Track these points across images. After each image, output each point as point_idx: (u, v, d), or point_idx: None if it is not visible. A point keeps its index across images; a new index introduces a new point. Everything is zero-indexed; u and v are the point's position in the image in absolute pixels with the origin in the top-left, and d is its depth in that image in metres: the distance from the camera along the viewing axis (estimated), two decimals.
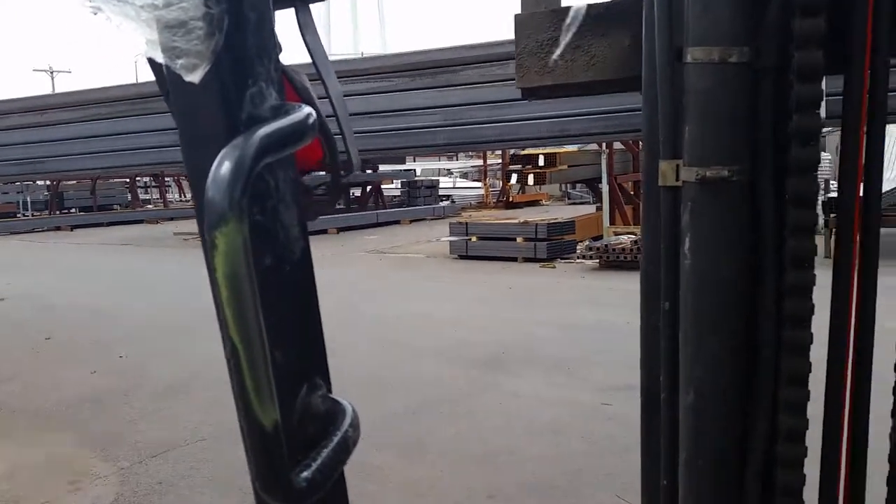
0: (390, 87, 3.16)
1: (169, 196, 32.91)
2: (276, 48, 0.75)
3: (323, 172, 0.89)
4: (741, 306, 1.14)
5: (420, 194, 23.82)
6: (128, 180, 27.94)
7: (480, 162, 28.58)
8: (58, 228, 21.61)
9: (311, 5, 0.90)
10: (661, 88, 1.12)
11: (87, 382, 5.74)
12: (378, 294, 9.46)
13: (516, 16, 1.50)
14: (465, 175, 34.46)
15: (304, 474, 0.71)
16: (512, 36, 1.50)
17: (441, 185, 27.03)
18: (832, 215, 9.44)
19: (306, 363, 0.83)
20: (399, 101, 3.13)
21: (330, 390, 0.86)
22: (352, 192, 21.75)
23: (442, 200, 25.32)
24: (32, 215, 24.64)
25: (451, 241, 12.95)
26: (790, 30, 1.00)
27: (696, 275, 1.13)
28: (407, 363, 6.04)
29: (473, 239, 12.53)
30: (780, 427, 1.08)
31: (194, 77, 0.68)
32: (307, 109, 0.69)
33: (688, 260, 1.13)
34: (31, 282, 11.35)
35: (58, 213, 25.08)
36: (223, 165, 0.58)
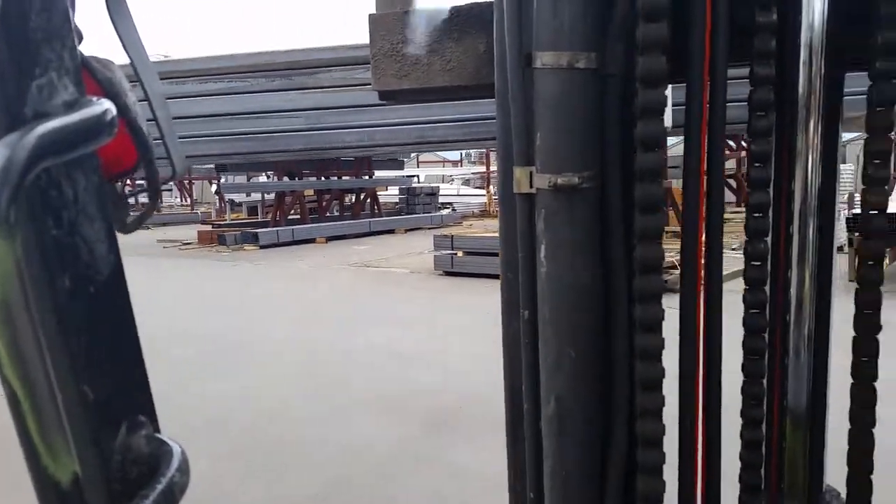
0: (245, 87, 3.01)
1: (173, 199, 31.53)
2: (74, 34, 0.64)
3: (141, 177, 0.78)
4: (598, 313, 1.13)
5: (419, 202, 22.55)
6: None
7: (484, 168, 26.85)
8: None
9: None
10: (512, 94, 1.10)
11: None
12: (340, 319, 8.39)
13: (370, 15, 1.45)
14: (467, 182, 32.32)
15: None
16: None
17: (442, 193, 25.44)
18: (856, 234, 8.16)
19: (125, 399, 0.72)
20: (257, 103, 3.00)
21: (157, 429, 0.76)
22: (346, 198, 20.54)
23: (443, 208, 23.90)
24: None
25: (435, 256, 11.65)
26: (635, 36, 1.01)
27: (553, 282, 1.11)
28: (337, 417, 4.95)
29: (460, 254, 11.12)
30: (637, 433, 1.08)
31: None
32: (105, 104, 0.59)
33: (544, 267, 1.12)
34: None
35: None
36: None
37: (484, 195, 25.26)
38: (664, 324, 1.11)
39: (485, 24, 1.32)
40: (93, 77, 0.69)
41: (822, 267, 1.26)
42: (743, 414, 1.30)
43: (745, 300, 1.25)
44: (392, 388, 5.56)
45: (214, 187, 26.08)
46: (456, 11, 1.37)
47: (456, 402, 5.10)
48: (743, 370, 1.28)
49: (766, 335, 1.29)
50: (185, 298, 10.13)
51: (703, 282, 1.18)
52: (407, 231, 19.07)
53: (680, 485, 1.22)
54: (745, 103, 1.17)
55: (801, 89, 1.17)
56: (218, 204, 25.58)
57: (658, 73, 0.97)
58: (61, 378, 0.54)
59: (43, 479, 0.53)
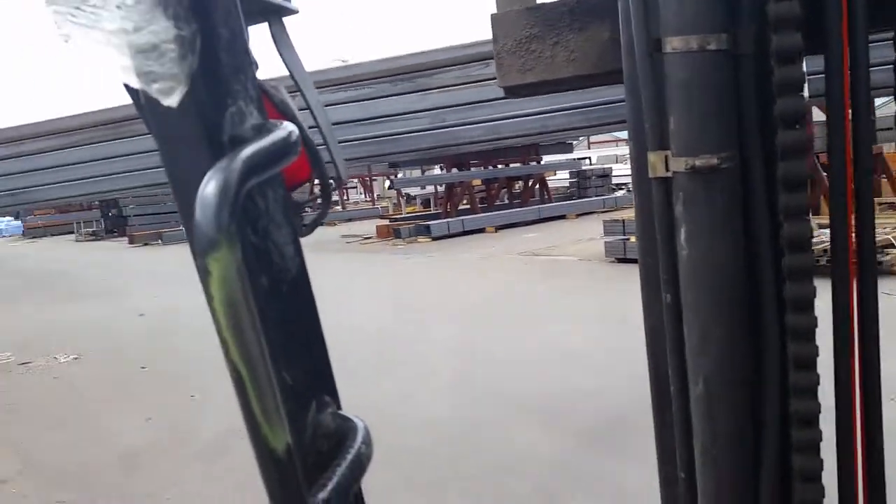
0: (372, 93, 3.16)
1: (357, 195, 33.78)
2: (253, 65, 0.74)
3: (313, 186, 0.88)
4: (742, 293, 1.13)
5: (591, 184, 21.83)
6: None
7: None
8: None
9: (284, 18, 0.89)
10: (642, 80, 1.11)
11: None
12: (504, 315, 7.86)
13: (493, 15, 1.51)
14: None
15: (321, 495, 0.70)
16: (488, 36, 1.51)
17: (616, 174, 23.94)
18: None
19: (314, 382, 0.81)
20: (382, 108, 3.14)
21: (339, 407, 0.85)
22: (515, 186, 20.49)
23: (617, 190, 22.48)
24: None
25: (606, 242, 11.18)
26: (766, 14, 1.00)
27: (694, 264, 1.12)
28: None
29: (633, 239, 9.96)
30: (791, 412, 1.07)
31: (171, 101, 0.67)
32: (289, 126, 0.68)
33: (684, 250, 1.13)
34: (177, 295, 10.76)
35: None
36: (208, 190, 0.57)
37: None
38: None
39: (606, 11, 1.34)
40: (270, 101, 0.79)
41: None
42: None
43: None
44: (557, 391, 5.08)
45: (388, 183, 27.12)
46: (577, 2, 1.40)
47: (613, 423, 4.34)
48: None
49: None
50: (355, 291, 10.47)
51: (855, 259, 1.15)
52: (578, 216, 18.53)
53: (839, 465, 1.20)
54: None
55: None
56: (396, 198, 26.58)
57: (793, 48, 0.96)
58: (274, 363, 0.63)
59: (263, 448, 0.62)
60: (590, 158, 25.35)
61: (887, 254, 8.47)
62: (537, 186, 20.83)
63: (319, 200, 0.87)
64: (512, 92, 1.58)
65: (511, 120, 2.97)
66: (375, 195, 32.27)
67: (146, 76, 0.68)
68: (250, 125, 0.72)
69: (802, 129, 0.99)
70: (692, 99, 1.06)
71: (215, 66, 0.70)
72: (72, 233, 28.72)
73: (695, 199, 1.10)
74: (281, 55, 0.90)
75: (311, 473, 0.73)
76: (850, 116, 1.11)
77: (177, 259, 16.15)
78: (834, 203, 1.13)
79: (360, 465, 0.74)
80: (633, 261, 9.95)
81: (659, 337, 1.24)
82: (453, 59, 2.92)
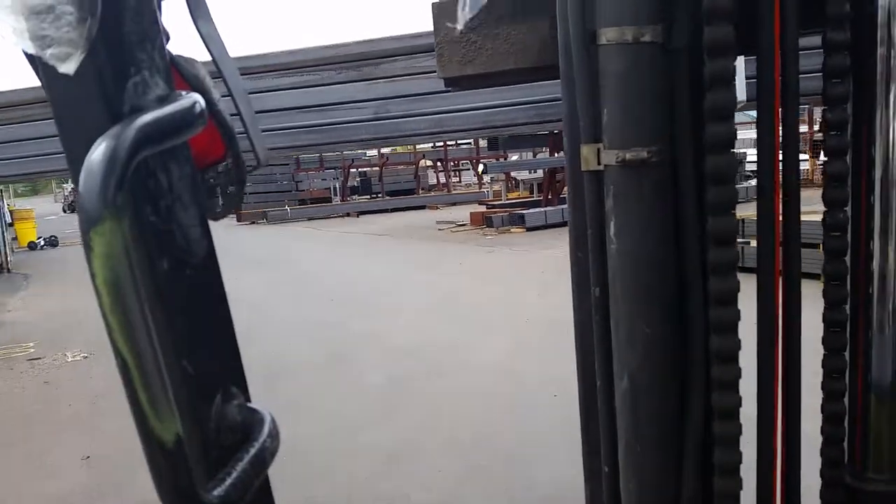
0: (315, 80, 3.09)
1: (470, 178, 32.32)
2: (162, 35, 0.69)
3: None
4: (670, 287, 1.13)
5: None
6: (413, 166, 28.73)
7: (805, 128, 20.29)
8: (347, 215, 23.63)
9: None
10: (577, 72, 1.10)
11: None
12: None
13: (434, 3, 1.48)
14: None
15: (217, 491, 0.66)
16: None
17: (751, 159, 19.38)
18: None
19: (220, 372, 0.77)
20: (326, 96, 3.07)
21: (248, 399, 0.82)
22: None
23: (750, 178, 18.48)
24: (342, 200, 26.50)
25: None
26: (700, 7, 1.00)
27: (623, 258, 1.12)
28: None
29: (752, 243, 8.51)
30: (714, 406, 1.08)
31: (68, 68, 0.62)
32: (194, 97, 0.64)
33: (614, 244, 1.12)
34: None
35: (352, 198, 27.16)
36: (94, 157, 0.53)
37: (806, 159, 19.50)
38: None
39: (548, 4, 1.33)
40: (180, 74, 0.75)
41: None
42: (824, 387, 1.27)
43: (824, 271, 1.22)
44: None
45: (481, 167, 25.88)
46: None
47: None
48: (824, 343, 1.25)
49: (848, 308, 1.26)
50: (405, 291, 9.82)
51: (781, 254, 1.17)
52: None
53: (759, 458, 1.21)
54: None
55: (878, 53, 1.13)
56: (504, 182, 24.74)
57: (725, 42, 0.96)
58: (163, 351, 0.59)
59: (150, 439, 0.58)
60: None
61: None
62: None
63: (232, 182, 0.83)
64: (452, 83, 1.56)
65: (457, 114, 2.95)
66: (485, 179, 28.53)
67: (41, 40, 0.63)
68: (155, 96, 0.67)
69: (730, 124, 0.99)
70: (625, 91, 1.06)
71: (118, 32, 0.65)
72: None
73: (625, 192, 1.09)
74: (198, 30, 0.85)
75: (213, 468, 0.70)
76: (779, 116, 1.12)
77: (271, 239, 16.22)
78: (761, 200, 1.14)
79: (263, 460, 0.70)
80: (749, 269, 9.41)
81: (587, 332, 1.24)
82: (400, 48, 2.87)
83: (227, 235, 19.39)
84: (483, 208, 19.03)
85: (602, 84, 1.08)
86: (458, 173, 33.79)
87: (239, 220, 23.45)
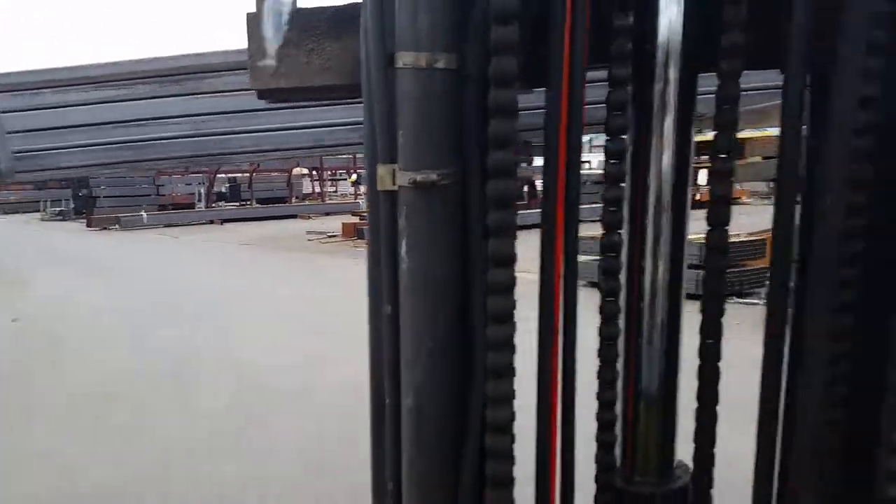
0: (133, 94, 2.92)
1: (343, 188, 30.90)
2: None
3: None
4: (456, 307, 1.18)
5: (585, 190, 18.33)
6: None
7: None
8: (211, 222, 22.30)
9: None
10: (375, 94, 1.13)
11: None
12: None
13: (248, 14, 1.46)
14: None
15: None
16: None
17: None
18: None
19: None
20: (144, 110, 2.90)
21: None
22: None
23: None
24: (207, 207, 24.94)
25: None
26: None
27: (412, 276, 1.15)
28: None
29: None
30: (489, 420, 1.13)
31: None
32: None
33: (404, 263, 1.15)
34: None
35: (218, 205, 25.76)
36: None
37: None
38: None
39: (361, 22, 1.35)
40: None
41: (675, 257, 1.35)
42: (599, 396, 1.37)
43: (600, 288, 1.32)
44: None
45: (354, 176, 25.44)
46: (334, 11, 1.40)
47: None
48: (599, 355, 1.35)
49: (622, 322, 1.36)
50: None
51: (561, 277, 1.24)
52: None
53: (538, 469, 1.28)
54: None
55: (656, 89, 1.25)
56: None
57: (508, 73, 1.03)
58: None
59: None
60: (590, 162, 22.89)
61: None
62: (525, 189, 19.08)
63: None
64: (265, 96, 1.54)
65: (286, 132, 2.89)
66: (361, 189, 28.25)
67: None
68: None
69: (509, 152, 1.06)
70: (418, 115, 1.10)
71: None
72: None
73: (415, 212, 1.13)
74: None
75: None
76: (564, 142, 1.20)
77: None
78: (545, 219, 1.21)
79: None
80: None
81: (379, 349, 1.25)
82: (224, 63, 2.79)
83: (67, 241, 18.21)
84: (357, 219, 18.70)
85: (399, 107, 1.12)
86: (334, 182, 33.27)
87: (89, 226, 22.07)
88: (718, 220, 1.23)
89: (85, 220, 22.92)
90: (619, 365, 1.37)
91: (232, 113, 2.91)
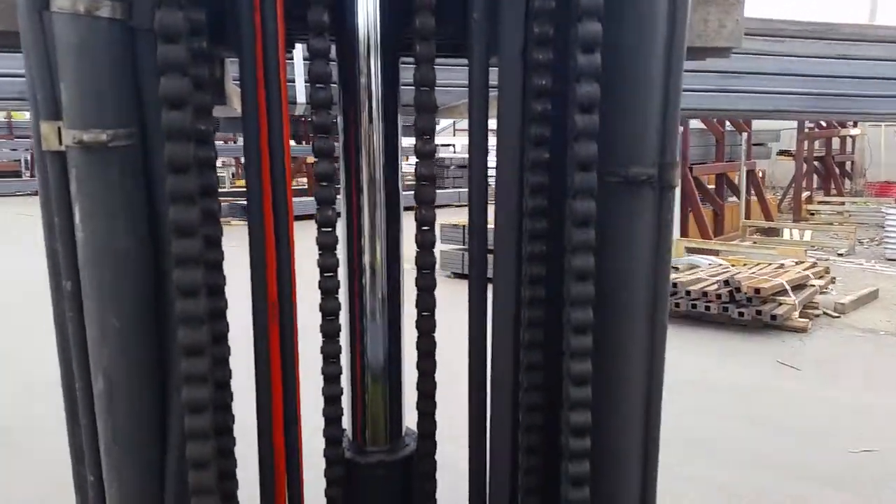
0: None
1: None
2: None
3: None
4: (145, 280, 1.08)
5: (449, 174, 18.44)
6: None
7: None
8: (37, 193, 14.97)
9: None
10: (28, 40, 0.99)
11: None
12: None
13: None
14: None
15: None
16: None
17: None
18: None
19: None
20: None
21: None
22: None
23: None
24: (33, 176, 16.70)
25: (441, 251, 8.47)
26: None
27: (90, 249, 1.03)
28: None
29: None
30: (184, 400, 1.05)
31: None
32: None
33: (81, 233, 1.03)
34: None
35: None
36: None
37: None
38: None
39: None
40: None
41: (391, 235, 1.35)
42: (323, 371, 1.34)
43: (318, 265, 1.28)
44: None
45: None
46: None
47: None
48: (321, 331, 1.32)
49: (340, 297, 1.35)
50: None
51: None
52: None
53: (260, 448, 1.24)
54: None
55: (360, 71, 1.23)
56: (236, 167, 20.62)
57: (174, 27, 0.94)
58: None
59: None
60: (454, 146, 21.52)
61: (780, 303, 6.48)
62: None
63: None
64: None
65: None
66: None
67: None
68: None
69: (186, 112, 0.97)
70: (81, 68, 0.97)
71: None
72: None
73: (88, 177, 1.01)
74: None
75: None
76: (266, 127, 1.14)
77: None
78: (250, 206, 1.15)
79: None
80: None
81: (66, 330, 1.12)
82: None
83: None
84: None
85: (58, 56, 0.98)
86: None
87: None
88: (424, 199, 1.24)
89: None
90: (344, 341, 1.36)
91: None
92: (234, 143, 17.10)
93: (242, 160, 1.18)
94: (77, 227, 1.03)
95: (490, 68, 1.19)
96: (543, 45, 1.13)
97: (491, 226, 1.20)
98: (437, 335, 1.35)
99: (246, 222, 1.17)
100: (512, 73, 1.16)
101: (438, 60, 1.22)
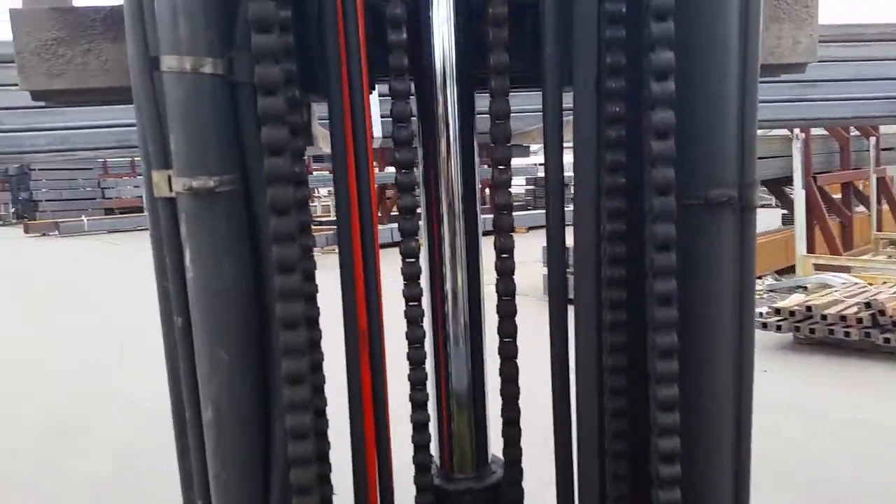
0: None
1: None
2: None
3: None
4: (249, 314, 1.15)
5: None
6: None
7: None
8: None
9: None
10: (141, 97, 1.08)
11: None
12: None
13: (12, 10, 1.34)
14: None
15: None
16: None
17: None
18: None
19: None
20: None
21: None
22: None
23: None
24: None
25: (544, 275, 8.11)
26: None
27: (200, 287, 1.11)
28: None
29: None
30: (287, 427, 1.11)
31: None
32: None
33: (190, 273, 1.11)
34: None
35: None
36: None
37: None
38: None
39: None
40: None
41: (471, 262, 1.40)
42: (411, 398, 1.39)
43: (404, 294, 1.34)
44: None
45: None
46: (111, 11, 1.32)
47: None
48: (408, 358, 1.37)
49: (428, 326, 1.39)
50: None
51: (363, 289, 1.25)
52: (529, 229, 13.84)
53: (355, 473, 1.28)
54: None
55: (438, 106, 1.29)
56: None
57: (271, 80, 1.01)
58: None
59: None
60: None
61: None
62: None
63: None
64: (40, 97, 1.43)
65: (86, 130, 2.70)
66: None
67: None
68: None
69: (283, 158, 1.04)
70: (188, 121, 1.06)
71: None
72: None
73: (197, 220, 1.09)
74: None
75: None
76: (353, 153, 1.21)
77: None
78: (340, 232, 1.21)
79: None
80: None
81: (176, 363, 1.20)
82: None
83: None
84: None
85: (168, 111, 1.07)
86: None
87: (27, 232, 20.64)
88: (503, 227, 1.29)
89: (20, 226, 21.50)
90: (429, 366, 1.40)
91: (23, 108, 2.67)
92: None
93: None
94: (187, 268, 1.11)
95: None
96: (616, 75, 1.17)
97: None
98: (539, 354, 1.36)
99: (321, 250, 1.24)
100: (586, 103, 1.19)
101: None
